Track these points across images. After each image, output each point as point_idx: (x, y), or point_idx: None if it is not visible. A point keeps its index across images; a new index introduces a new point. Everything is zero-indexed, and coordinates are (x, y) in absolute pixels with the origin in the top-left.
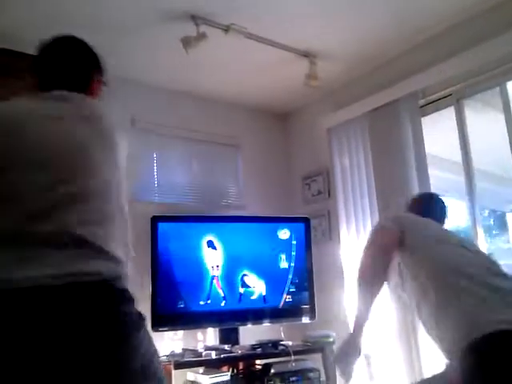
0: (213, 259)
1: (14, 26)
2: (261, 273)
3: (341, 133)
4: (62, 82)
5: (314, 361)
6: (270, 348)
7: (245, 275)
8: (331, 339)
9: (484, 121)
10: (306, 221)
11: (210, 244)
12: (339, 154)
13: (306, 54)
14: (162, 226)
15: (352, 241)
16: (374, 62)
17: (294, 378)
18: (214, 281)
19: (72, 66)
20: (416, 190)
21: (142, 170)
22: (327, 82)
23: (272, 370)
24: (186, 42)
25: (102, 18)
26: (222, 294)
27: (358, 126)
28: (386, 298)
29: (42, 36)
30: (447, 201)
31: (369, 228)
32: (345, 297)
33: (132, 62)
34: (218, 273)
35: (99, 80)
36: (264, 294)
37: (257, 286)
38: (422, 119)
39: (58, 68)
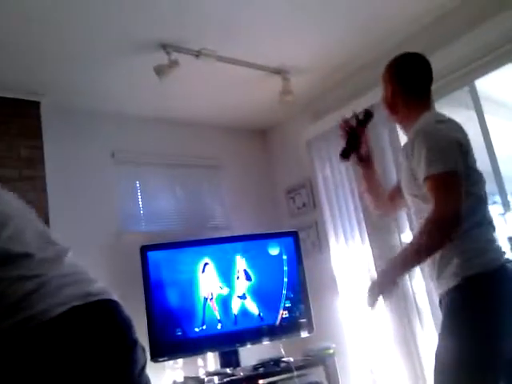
0: (205, 283)
1: None
2: (255, 291)
3: (320, 144)
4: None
5: (317, 374)
6: (272, 366)
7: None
8: (331, 351)
9: (458, 120)
10: (294, 234)
11: (202, 268)
12: (320, 164)
13: (277, 71)
14: (151, 254)
15: (342, 249)
16: (346, 70)
17: None
18: (210, 303)
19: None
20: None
21: (126, 201)
22: (302, 96)
23: None
24: (159, 71)
25: (72, 51)
26: (218, 317)
27: (337, 136)
28: (382, 308)
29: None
30: None
31: (357, 235)
32: (340, 306)
33: (106, 94)
34: (213, 296)
35: None
36: (259, 312)
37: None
38: None
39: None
